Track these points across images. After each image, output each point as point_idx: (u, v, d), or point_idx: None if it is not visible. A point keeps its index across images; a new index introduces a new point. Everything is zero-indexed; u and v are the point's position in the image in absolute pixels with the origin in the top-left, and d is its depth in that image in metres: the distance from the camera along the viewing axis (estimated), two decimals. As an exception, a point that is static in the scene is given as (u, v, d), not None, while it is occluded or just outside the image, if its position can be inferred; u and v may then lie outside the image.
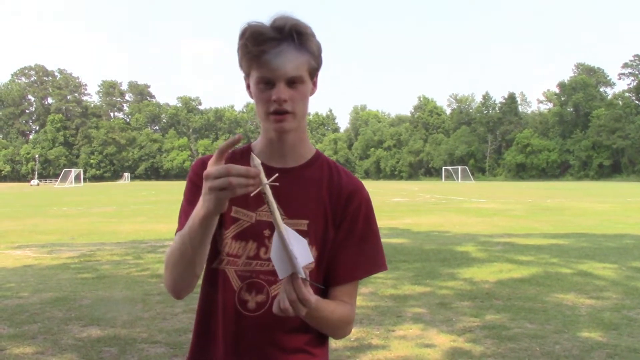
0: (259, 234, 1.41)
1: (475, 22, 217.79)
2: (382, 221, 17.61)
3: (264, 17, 1.36)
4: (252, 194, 1.15)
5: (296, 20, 1.34)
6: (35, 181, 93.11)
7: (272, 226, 1.38)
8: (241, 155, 1.49)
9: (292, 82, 1.34)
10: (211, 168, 1.14)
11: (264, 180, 1.13)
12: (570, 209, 22.58)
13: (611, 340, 5.10)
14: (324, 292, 1.44)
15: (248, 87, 1.42)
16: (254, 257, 1.41)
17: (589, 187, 53.14)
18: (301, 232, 1.38)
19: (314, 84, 1.44)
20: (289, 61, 1.33)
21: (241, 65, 1.40)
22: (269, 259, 1.39)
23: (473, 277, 8.14)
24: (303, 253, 1.16)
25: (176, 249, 1.29)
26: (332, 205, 1.45)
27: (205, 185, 1.14)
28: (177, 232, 1.37)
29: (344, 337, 1.48)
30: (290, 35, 1.32)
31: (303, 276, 1.17)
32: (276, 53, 1.31)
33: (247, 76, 1.41)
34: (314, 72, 1.41)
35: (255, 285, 1.41)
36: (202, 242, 1.24)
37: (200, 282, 1.46)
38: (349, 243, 1.43)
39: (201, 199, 1.18)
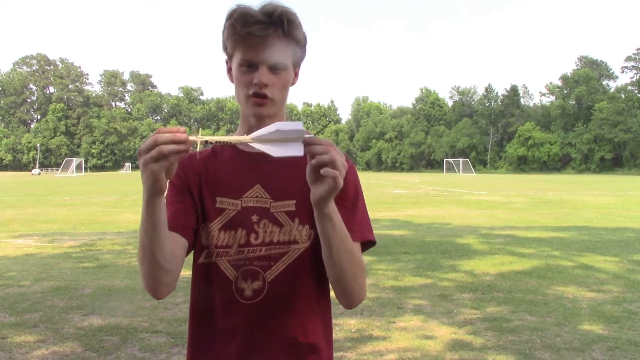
0: (247, 220, 1.40)
1: (477, 14, 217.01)
2: (383, 213, 17.69)
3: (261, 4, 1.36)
4: (198, 152, 1.12)
5: (286, 7, 1.33)
6: (36, 170, 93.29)
7: (259, 211, 1.40)
8: (221, 149, 1.49)
9: (275, 69, 1.34)
10: (141, 145, 1.09)
11: (198, 138, 1.10)
12: (571, 202, 22.55)
13: (612, 333, 5.10)
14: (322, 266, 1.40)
15: (229, 70, 1.42)
16: (246, 244, 1.40)
17: (591, 180, 53.05)
18: (290, 213, 1.40)
19: (296, 75, 1.43)
20: (275, 46, 1.32)
21: (225, 47, 1.39)
22: (261, 244, 1.39)
23: (474, 269, 8.14)
24: (285, 125, 1.15)
25: (139, 244, 1.26)
26: None
27: (140, 163, 1.09)
28: None
29: (360, 297, 1.40)
30: (279, 20, 1.31)
31: (309, 136, 1.15)
32: (262, 36, 1.31)
33: (229, 58, 1.41)
34: (297, 62, 1.41)
35: (250, 272, 1.39)
36: (155, 229, 1.19)
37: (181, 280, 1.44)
38: (341, 210, 1.36)
39: (142, 181, 1.13)
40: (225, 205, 1.41)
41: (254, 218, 1.40)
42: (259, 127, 1.38)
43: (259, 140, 1.15)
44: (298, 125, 1.14)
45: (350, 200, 1.42)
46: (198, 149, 1.12)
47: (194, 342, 1.47)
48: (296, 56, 1.39)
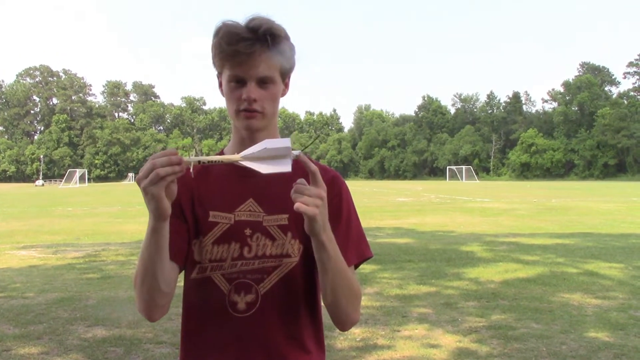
0: (240, 234, 1.41)
1: (479, 21, 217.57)
2: (387, 221, 17.67)
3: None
4: (191, 171, 1.17)
5: (271, 23, 1.36)
6: (40, 181, 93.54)
7: (252, 225, 1.42)
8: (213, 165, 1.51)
9: (263, 82, 1.37)
10: (139, 173, 1.15)
11: (192, 159, 1.16)
12: (575, 208, 22.50)
13: (618, 340, 5.07)
14: (313, 280, 1.43)
15: (220, 85, 1.45)
16: (239, 258, 1.40)
17: (594, 186, 52.95)
18: (282, 226, 1.41)
19: (286, 85, 1.46)
20: (261, 61, 1.35)
21: (214, 63, 1.42)
22: (254, 257, 1.40)
23: (478, 277, 8.12)
24: (273, 142, 1.20)
25: (139, 266, 1.29)
26: None
27: (141, 190, 1.14)
28: None
29: (354, 320, 1.43)
30: (264, 36, 1.34)
31: (297, 152, 1.20)
32: (248, 53, 1.33)
33: (219, 74, 1.44)
34: (285, 74, 1.43)
35: (243, 285, 1.40)
36: (159, 252, 1.25)
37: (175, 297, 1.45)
38: (336, 229, 1.37)
39: (146, 205, 1.18)
40: (219, 219, 1.42)
41: (247, 231, 1.41)
42: (250, 138, 1.41)
43: (248, 158, 1.19)
44: (285, 142, 1.19)
45: (344, 220, 1.44)
46: (192, 170, 1.17)
47: (187, 356, 1.48)
48: (284, 68, 1.41)
